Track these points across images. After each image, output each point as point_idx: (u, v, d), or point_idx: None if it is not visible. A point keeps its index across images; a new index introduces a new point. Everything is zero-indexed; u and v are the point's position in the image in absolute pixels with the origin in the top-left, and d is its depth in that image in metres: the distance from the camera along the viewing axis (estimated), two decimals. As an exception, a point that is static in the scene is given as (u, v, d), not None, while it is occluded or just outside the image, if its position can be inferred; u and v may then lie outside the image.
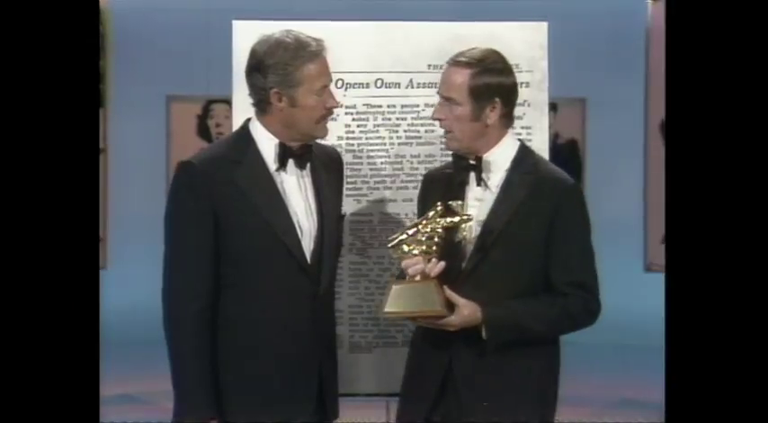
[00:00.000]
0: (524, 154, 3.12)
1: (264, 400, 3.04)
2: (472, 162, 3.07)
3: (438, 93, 3.08)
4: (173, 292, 3.02)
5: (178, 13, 7.82)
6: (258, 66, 3.02)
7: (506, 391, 3.05)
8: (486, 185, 3.08)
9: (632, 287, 7.28)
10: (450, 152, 3.12)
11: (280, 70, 2.99)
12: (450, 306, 2.95)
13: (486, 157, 3.08)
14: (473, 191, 3.08)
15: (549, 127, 3.71)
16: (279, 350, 3.03)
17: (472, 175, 3.08)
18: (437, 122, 3.11)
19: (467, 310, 2.97)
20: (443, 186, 3.11)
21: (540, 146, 3.61)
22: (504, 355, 3.03)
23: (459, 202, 3.01)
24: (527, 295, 3.04)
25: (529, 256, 3.04)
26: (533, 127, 3.64)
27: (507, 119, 3.10)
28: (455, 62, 3.05)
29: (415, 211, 3.27)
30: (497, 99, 3.04)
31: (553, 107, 7.55)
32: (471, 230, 3.03)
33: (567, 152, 8.17)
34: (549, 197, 3.05)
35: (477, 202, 3.07)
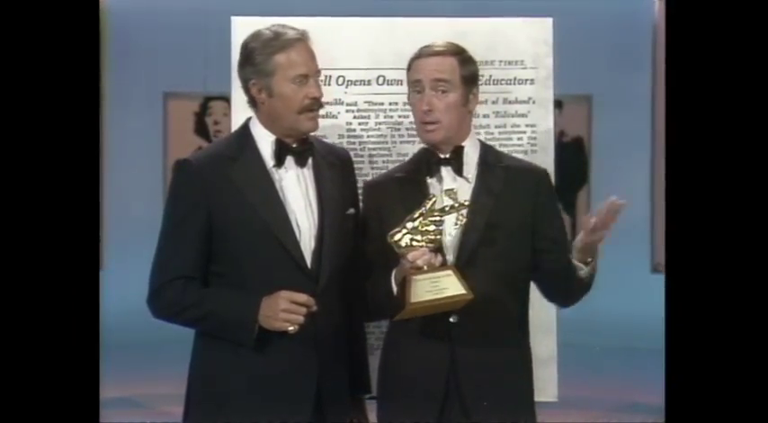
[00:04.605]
0: (487, 147, 3.19)
1: (261, 400, 3.02)
2: (444, 156, 3.09)
3: (423, 82, 3.07)
4: (157, 264, 3.06)
5: (176, 10, 7.80)
6: (242, 58, 3.06)
7: (506, 390, 3.08)
8: (465, 178, 3.10)
9: (638, 288, 7.26)
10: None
11: (255, 59, 3.02)
12: (473, 288, 2.96)
13: (466, 147, 3.11)
14: (452, 185, 3.08)
15: (555, 125, 3.69)
16: (276, 349, 3.01)
17: (445, 171, 3.09)
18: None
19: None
20: (400, 189, 3.11)
21: (545, 144, 3.60)
22: (500, 351, 3.07)
23: (453, 188, 3.04)
24: (524, 283, 3.13)
25: (517, 244, 3.09)
26: (538, 124, 3.62)
27: (473, 111, 3.17)
28: (435, 53, 3.09)
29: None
30: (477, 84, 3.12)
31: (558, 104, 7.53)
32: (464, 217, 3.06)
33: (572, 150, 8.15)
34: (525, 185, 3.12)
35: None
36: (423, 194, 3.02)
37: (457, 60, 3.07)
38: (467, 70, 3.08)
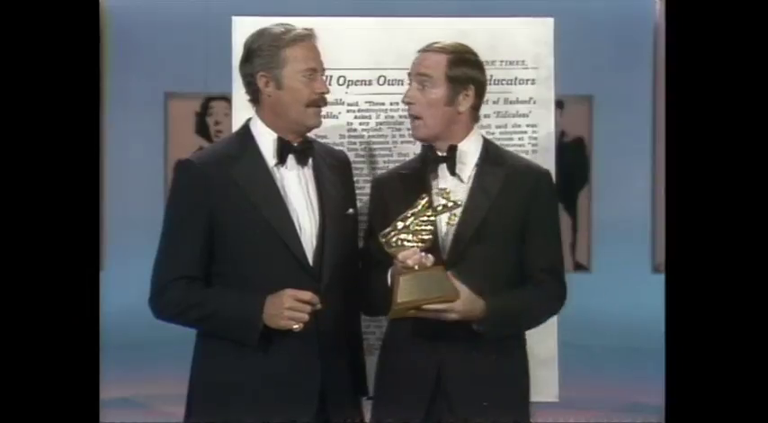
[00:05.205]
0: (490, 147, 3.17)
1: (264, 399, 3.02)
2: (442, 154, 3.09)
3: (410, 75, 3.12)
4: (159, 264, 3.06)
5: (176, 10, 7.79)
6: (246, 54, 3.08)
7: (496, 392, 3.06)
8: (459, 178, 3.09)
9: (638, 288, 7.25)
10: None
11: (264, 52, 3.04)
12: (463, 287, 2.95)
13: (460, 146, 3.10)
14: (446, 184, 3.08)
15: (556, 125, 3.68)
16: (278, 348, 3.01)
17: (441, 170, 3.10)
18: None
19: (470, 300, 2.96)
20: (403, 186, 3.11)
21: (547, 144, 3.59)
22: (490, 353, 3.05)
23: (446, 188, 3.02)
24: (512, 285, 3.09)
25: (509, 246, 3.08)
26: (539, 125, 3.61)
27: (476, 112, 3.15)
28: (430, 49, 3.11)
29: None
30: (471, 86, 3.09)
31: (559, 105, 7.52)
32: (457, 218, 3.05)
33: (573, 150, 8.14)
34: (523, 187, 3.10)
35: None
36: (424, 191, 3.02)
37: (447, 58, 3.08)
38: (456, 70, 3.07)
